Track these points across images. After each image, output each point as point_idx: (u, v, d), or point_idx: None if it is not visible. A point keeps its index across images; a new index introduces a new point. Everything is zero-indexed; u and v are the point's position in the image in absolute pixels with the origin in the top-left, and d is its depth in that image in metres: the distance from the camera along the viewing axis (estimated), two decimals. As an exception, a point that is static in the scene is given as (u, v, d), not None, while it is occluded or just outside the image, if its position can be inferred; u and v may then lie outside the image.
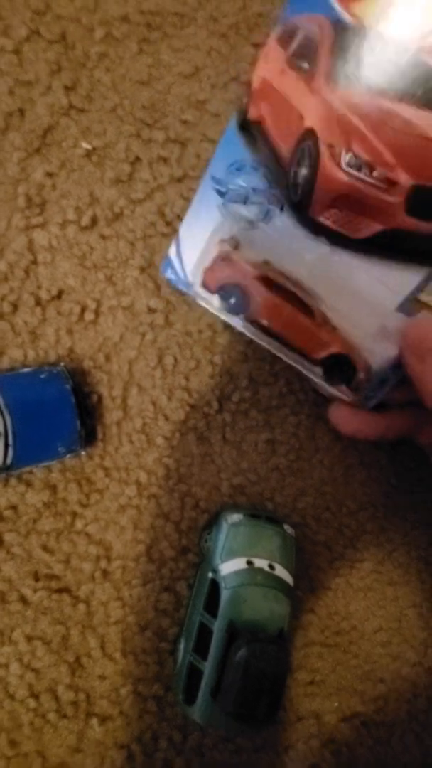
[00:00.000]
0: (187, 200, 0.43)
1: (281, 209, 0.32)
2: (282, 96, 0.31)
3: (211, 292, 0.37)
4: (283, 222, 0.32)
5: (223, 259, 0.35)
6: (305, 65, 0.30)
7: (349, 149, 0.29)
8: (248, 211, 0.33)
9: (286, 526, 0.40)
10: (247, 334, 0.37)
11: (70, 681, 0.38)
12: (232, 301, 0.36)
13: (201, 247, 0.36)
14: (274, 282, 0.35)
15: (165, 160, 0.43)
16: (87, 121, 0.42)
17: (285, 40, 0.31)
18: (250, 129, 0.33)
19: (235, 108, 0.34)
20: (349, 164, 0.29)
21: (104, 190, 0.42)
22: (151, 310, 0.42)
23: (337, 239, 0.31)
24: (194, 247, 0.36)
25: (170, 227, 0.43)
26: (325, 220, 0.31)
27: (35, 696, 0.37)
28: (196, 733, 0.39)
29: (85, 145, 0.41)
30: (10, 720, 0.36)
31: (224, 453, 0.42)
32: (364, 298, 0.32)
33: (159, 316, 0.42)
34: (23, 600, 0.37)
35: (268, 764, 0.41)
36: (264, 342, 0.37)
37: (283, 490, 0.44)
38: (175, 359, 0.42)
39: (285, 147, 0.31)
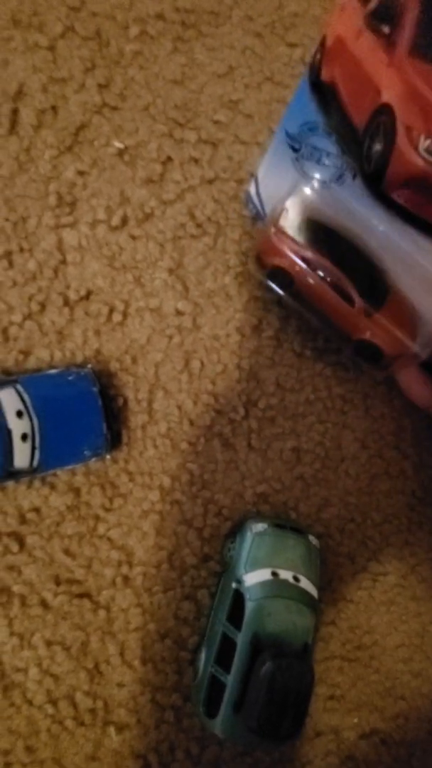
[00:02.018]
0: (218, 202, 0.42)
1: (353, 177, 0.30)
2: (357, 61, 0.27)
3: (262, 271, 0.37)
4: (356, 188, 0.30)
5: (276, 235, 0.35)
6: (386, 28, 0.25)
7: (429, 135, 0.25)
8: (321, 172, 0.31)
9: (311, 537, 0.39)
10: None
11: (88, 688, 0.37)
12: (280, 280, 0.36)
13: (278, 194, 0.34)
14: (319, 268, 0.34)
15: (196, 161, 0.42)
16: (119, 120, 0.41)
17: None
18: (322, 90, 0.29)
19: (308, 66, 0.30)
20: (428, 150, 0.25)
21: (135, 190, 0.41)
22: (179, 313, 0.41)
23: (409, 218, 0.29)
24: (272, 193, 0.35)
25: (200, 229, 0.42)
26: (398, 198, 0.28)
27: (53, 702, 0.36)
28: (213, 745, 0.39)
29: (117, 144, 0.41)
30: (27, 726, 0.36)
31: (249, 460, 0.42)
32: (429, 275, 0.30)
33: (187, 318, 0.41)
34: (44, 604, 0.37)
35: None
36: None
37: (308, 500, 0.43)
38: (202, 363, 0.41)
39: (358, 117, 0.28)
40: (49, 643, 0.37)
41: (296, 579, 0.37)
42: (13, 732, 0.36)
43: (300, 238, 0.34)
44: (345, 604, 0.43)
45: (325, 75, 0.29)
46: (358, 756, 0.42)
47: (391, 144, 0.26)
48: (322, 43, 0.29)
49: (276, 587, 0.36)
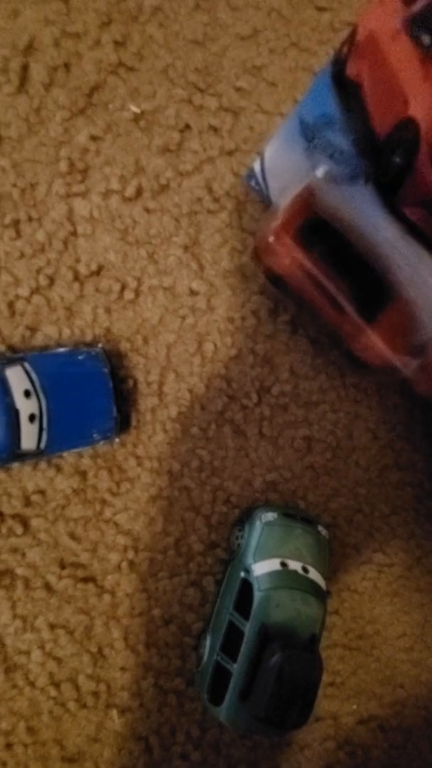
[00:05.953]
0: (238, 175, 0.40)
1: (366, 180, 0.28)
2: (389, 65, 0.25)
3: (259, 267, 0.36)
4: (368, 191, 0.29)
5: (275, 238, 0.33)
6: (427, 39, 0.23)
7: None
8: (333, 168, 0.30)
9: (320, 527, 0.39)
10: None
11: (91, 671, 0.37)
12: (276, 282, 0.36)
13: (285, 179, 0.33)
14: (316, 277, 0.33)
15: (216, 130, 0.40)
16: (136, 81, 0.39)
17: None
18: (345, 85, 0.27)
19: (332, 54, 0.27)
20: None
21: (151, 159, 0.39)
22: (193, 293, 0.39)
23: (418, 235, 0.28)
24: (277, 175, 0.34)
25: (218, 204, 0.40)
26: (411, 214, 0.27)
27: (56, 684, 0.36)
28: (214, 728, 0.39)
29: (134, 108, 0.38)
30: (29, 707, 0.36)
31: (260, 448, 0.41)
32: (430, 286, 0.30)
33: (201, 299, 0.39)
34: (48, 587, 0.36)
35: (284, 761, 0.41)
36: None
37: (317, 490, 0.42)
38: (215, 346, 0.40)
39: (381, 123, 0.26)
40: (52, 626, 0.36)
41: (305, 570, 0.36)
42: (14, 713, 0.36)
43: (300, 239, 0.33)
44: (349, 594, 0.43)
45: (350, 70, 0.27)
46: (355, 741, 0.42)
47: (411, 160, 0.25)
48: (353, 35, 0.26)
49: (285, 578, 0.35)
